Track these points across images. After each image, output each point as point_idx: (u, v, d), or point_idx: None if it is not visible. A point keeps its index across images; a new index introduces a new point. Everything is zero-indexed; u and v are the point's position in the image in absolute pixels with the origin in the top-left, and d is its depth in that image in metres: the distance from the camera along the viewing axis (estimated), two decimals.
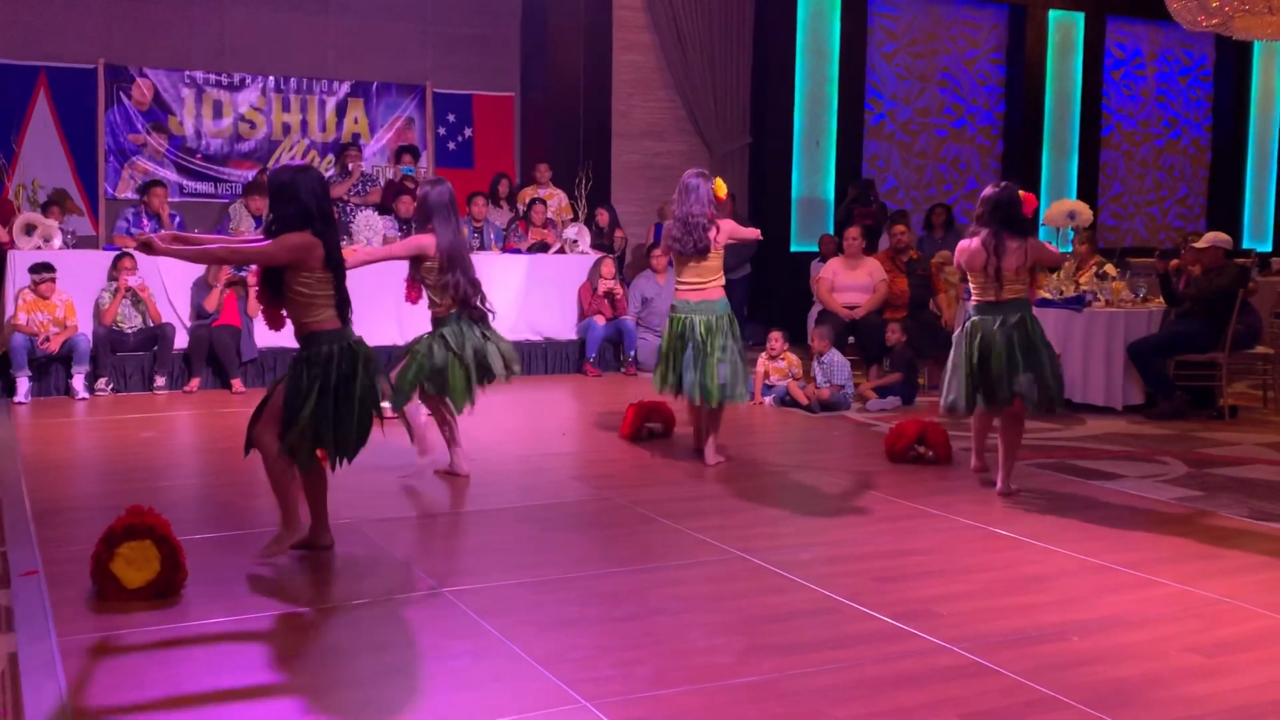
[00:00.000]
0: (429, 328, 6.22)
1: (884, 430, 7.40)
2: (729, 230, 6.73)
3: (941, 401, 6.25)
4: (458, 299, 6.07)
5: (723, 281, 6.74)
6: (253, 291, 9.20)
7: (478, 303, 6.15)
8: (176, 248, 4.66)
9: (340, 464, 4.78)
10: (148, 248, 4.47)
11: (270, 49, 11.98)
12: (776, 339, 8.96)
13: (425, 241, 6.01)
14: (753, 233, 7.21)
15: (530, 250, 10.77)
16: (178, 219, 10.07)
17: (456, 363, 6.04)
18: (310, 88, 12.15)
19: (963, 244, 6.17)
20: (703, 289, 6.67)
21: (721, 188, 6.68)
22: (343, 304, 4.74)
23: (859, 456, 7.16)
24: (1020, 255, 5.94)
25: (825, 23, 13.34)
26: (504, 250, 10.73)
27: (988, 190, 6.09)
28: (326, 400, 4.61)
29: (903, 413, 8.45)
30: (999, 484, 6.11)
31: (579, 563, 4.87)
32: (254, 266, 9.05)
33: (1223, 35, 9.48)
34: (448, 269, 6.01)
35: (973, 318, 6.04)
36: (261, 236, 4.80)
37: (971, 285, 6.11)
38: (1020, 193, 6.05)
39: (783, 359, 8.93)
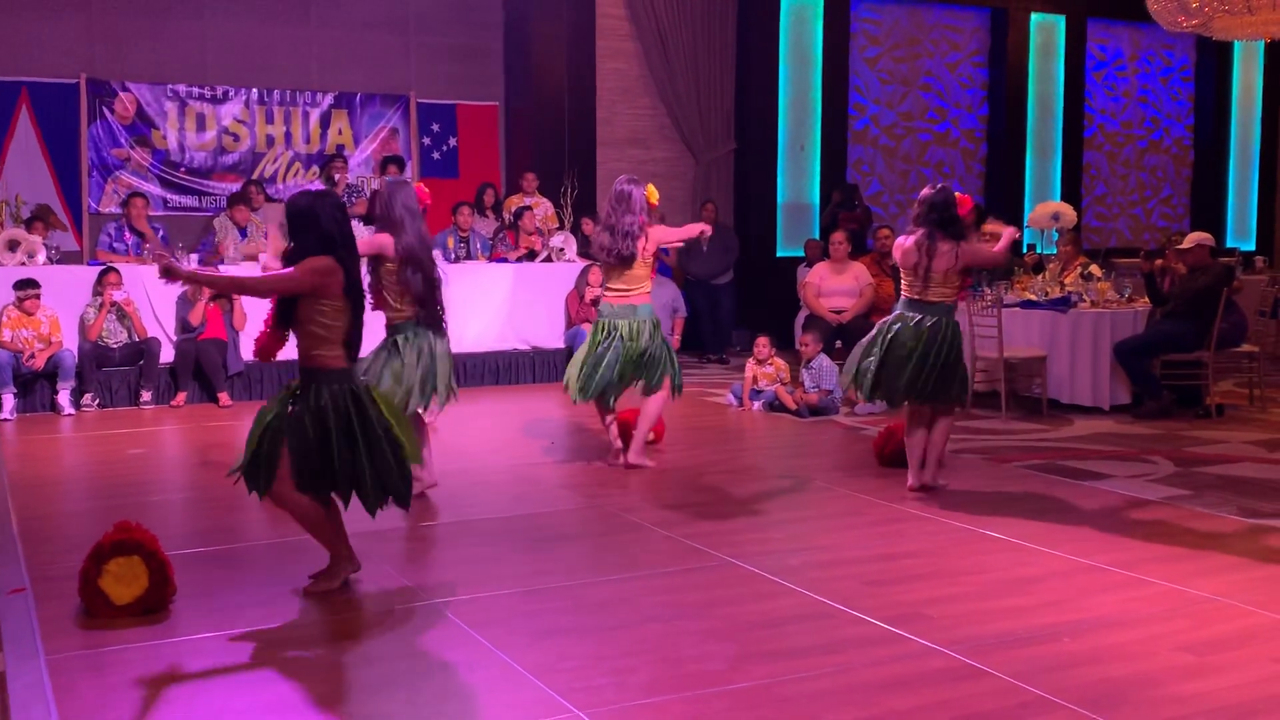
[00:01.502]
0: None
1: (873, 434, 7.41)
2: (658, 238, 6.78)
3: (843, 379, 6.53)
4: (415, 300, 5.86)
5: (649, 289, 6.77)
6: (239, 304, 9.17)
7: (436, 308, 5.92)
8: (203, 274, 4.53)
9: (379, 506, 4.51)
10: (169, 273, 4.28)
11: (253, 61, 11.96)
12: (763, 344, 8.96)
13: (383, 241, 5.82)
14: (690, 231, 7.19)
15: (518, 259, 10.77)
16: (161, 232, 10.05)
17: (399, 380, 5.82)
18: (293, 99, 12.12)
19: (899, 241, 6.32)
20: (626, 295, 6.70)
21: (653, 194, 6.72)
22: (354, 341, 4.50)
23: (848, 460, 7.17)
24: (950, 258, 6.05)
25: (807, 28, 13.37)
26: (491, 259, 10.73)
27: (925, 191, 6.25)
28: (333, 443, 4.35)
29: (891, 416, 8.44)
30: (919, 477, 6.20)
31: (570, 572, 4.87)
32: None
33: (1203, 36, 9.54)
34: (406, 268, 5.81)
35: (897, 311, 6.21)
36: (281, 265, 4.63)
37: (903, 281, 6.25)
38: (956, 194, 6.19)
39: (770, 364, 8.93)
